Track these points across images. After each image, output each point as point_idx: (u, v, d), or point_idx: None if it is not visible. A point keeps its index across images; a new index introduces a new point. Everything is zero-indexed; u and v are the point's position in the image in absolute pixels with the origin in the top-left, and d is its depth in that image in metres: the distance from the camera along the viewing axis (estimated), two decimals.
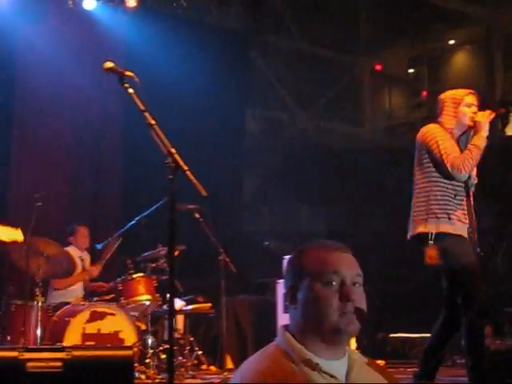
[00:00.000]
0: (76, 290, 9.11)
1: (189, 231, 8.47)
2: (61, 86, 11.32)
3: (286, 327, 2.45)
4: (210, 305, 9.75)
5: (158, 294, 8.57)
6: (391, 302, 12.65)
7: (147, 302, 8.38)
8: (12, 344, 7.55)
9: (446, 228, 5.54)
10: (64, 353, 3.54)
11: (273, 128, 24.62)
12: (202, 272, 11.02)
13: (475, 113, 5.70)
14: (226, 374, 8.89)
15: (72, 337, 7.30)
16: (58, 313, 7.80)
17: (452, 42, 28.98)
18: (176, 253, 6.64)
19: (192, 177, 3.89)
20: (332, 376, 2.34)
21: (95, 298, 8.32)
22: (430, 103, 29.70)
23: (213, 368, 9.64)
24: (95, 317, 7.55)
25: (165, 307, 8.55)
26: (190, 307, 9.46)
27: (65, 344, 6.86)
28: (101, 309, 7.67)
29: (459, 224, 5.59)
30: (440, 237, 5.54)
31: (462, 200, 5.67)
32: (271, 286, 10.89)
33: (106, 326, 7.57)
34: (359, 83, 29.37)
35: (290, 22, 22.69)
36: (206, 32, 13.62)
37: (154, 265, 8.94)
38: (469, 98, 5.76)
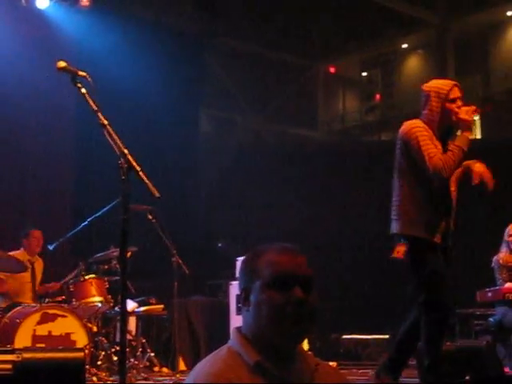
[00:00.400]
0: (25, 293, 9.01)
1: (142, 232, 8.44)
2: (12, 83, 11.21)
3: (238, 329, 2.45)
4: (162, 306, 9.72)
5: (109, 296, 8.51)
6: (344, 303, 12.72)
7: (99, 304, 8.32)
8: None
9: (419, 230, 5.48)
10: (14, 355, 3.50)
11: (226, 129, 24.66)
12: (155, 273, 10.97)
13: (460, 107, 5.46)
14: (178, 375, 8.87)
15: (22, 339, 7.21)
16: (9, 314, 7.71)
17: (405, 45, 29.30)
18: (128, 254, 6.60)
19: (145, 177, 3.87)
20: (283, 379, 2.34)
21: (46, 300, 8.24)
22: (384, 106, 30.00)
23: (165, 370, 9.61)
24: (46, 318, 7.46)
25: (117, 309, 8.50)
26: (142, 309, 9.42)
27: (15, 346, 6.77)
28: (52, 310, 7.59)
29: (435, 227, 5.47)
30: (413, 238, 5.48)
31: (442, 202, 5.52)
32: (224, 288, 10.89)
33: (57, 327, 7.49)
34: (313, 86, 29.53)
35: (245, 24, 22.70)
36: (160, 33, 13.61)
37: (106, 266, 8.89)
38: (453, 91, 5.50)
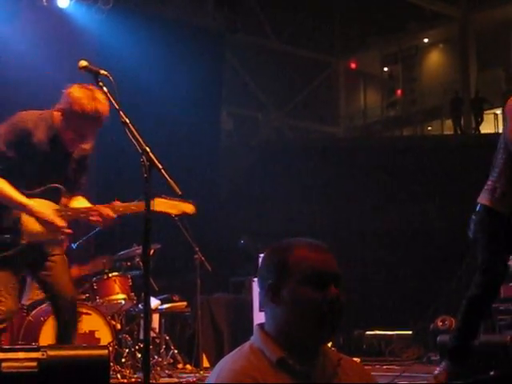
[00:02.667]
0: None
1: (164, 230, 8.46)
2: (36, 83, 11.24)
3: (261, 326, 2.44)
4: (185, 303, 9.74)
5: (133, 293, 8.54)
6: (367, 299, 12.71)
7: (122, 301, 8.35)
8: None
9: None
10: (39, 352, 3.52)
11: (248, 126, 24.66)
12: (178, 271, 11.00)
13: None
14: (201, 372, 8.87)
15: (47, 336, 7.24)
16: (33, 312, 7.75)
17: (426, 40, 29.16)
18: (151, 252, 6.61)
19: (167, 175, 3.88)
20: (306, 375, 2.34)
21: None
22: (405, 101, 29.89)
23: (189, 367, 9.62)
24: None
25: (140, 306, 8.53)
26: (165, 306, 9.44)
27: (40, 344, 6.81)
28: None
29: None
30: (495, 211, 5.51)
31: None
32: (246, 285, 10.90)
33: (81, 325, 7.51)
34: (334, 81, 29.47)
35: (265, 21, 22.69)
36: (180, 31, 13.63)
37: (129, 264, 8.92)
38: None
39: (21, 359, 3.46)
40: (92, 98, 4.77)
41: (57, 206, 4.95)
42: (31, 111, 5.07)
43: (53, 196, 4.97)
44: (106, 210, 4.88)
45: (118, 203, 4.94)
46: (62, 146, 4.95)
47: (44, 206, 4.87)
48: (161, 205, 5.00)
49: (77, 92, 4.84)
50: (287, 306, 2.35)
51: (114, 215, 4.93)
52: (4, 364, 3.41)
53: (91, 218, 4.91)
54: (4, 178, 4.79)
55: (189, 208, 5.22)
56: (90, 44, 11.82)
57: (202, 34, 14.54)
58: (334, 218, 14.44)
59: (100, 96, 4.69)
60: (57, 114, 4.96)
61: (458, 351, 5.56)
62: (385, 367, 9.32)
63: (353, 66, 29.71)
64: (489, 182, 5.57)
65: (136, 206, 4.99)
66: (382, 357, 10.86)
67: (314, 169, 15.28)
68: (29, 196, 4.85)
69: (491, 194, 5.50)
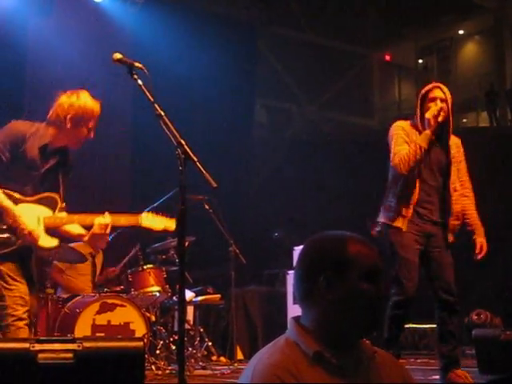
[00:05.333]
0: (84, 285, 9.10)
1: (199, 222, 8.48)
2: (70, 76, 11.28)
3: (296, 319, 2.43)
4: (219, 296, 9.77)
5: (167, 286, 8.58)
6: None
7: (157, 293, 8.39)
8: None
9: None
10: (75, 344, 3.55)
11: (282, 119, 24.61)
12: (212, 263, 11.02)
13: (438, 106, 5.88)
14: (235, 364, 8.91)
15: (82, 328, 7.31)
16: (69, 304, 7.81)
17: (461, 32, 28.91)
18: (186, 244, 6.63)
19: (202, 168, 3.88)
20: (341, 368, 2.33)
21: (105, 290, 8.33)
22: None
23: (223, 359, 9.66)
24: (105, 308, 7.55)
25: (174, 298, 8.57)
26: (199, 298, 9.47)
27: (75, 335, 6.86)
28: (111, 300, 7.67)
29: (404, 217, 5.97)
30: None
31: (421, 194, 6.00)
32: (281, 277, 10.89)
33: (116, 317, 7.56)
34: (369, 74, 29.32)
35: (299, 12, 22.61)
36: (214, 23, 13.63)
37: (164, 256, 8.96)
38: (433, 92, 5.97)
39: (57, 350, 3.49)
40: (89, 97, 5.50)
41: (49, 214, 5.16)
42: (25, 121, 5.30)
43: (49, 204, 5.21)
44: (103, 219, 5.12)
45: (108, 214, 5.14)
46: (53, 156, 5.27)
47: (26, 213, 5.02)
48: (147, 220, 5.20)
49: (77, 99, 5.23)
50: (340, 299, 2.34)
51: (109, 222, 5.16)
52: (40, 355, 3.44)
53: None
54: None
55: (171, 225, 5.42)
56: (125, 37, 11.88)
57: (235, 25, 14.54)
58: (369, 211, 14.36)
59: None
60: (50, 126, 5.30)
61: None
62: (419, 361, 9.28)
63: (387, 58, 29.54)
64: (384, 200, 6.25)
65: (127, 219, 5.22)
66: (416, 350, 10.80)
67: (346, 161, 15.22)
68: (24, 202, 5.04)
69: (387, 212, 6.15)
